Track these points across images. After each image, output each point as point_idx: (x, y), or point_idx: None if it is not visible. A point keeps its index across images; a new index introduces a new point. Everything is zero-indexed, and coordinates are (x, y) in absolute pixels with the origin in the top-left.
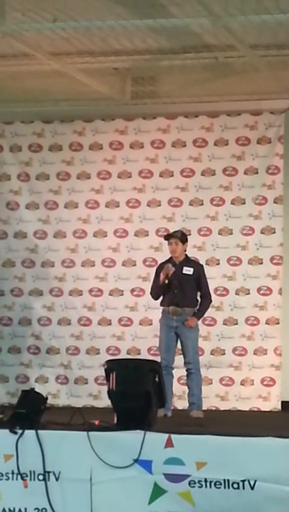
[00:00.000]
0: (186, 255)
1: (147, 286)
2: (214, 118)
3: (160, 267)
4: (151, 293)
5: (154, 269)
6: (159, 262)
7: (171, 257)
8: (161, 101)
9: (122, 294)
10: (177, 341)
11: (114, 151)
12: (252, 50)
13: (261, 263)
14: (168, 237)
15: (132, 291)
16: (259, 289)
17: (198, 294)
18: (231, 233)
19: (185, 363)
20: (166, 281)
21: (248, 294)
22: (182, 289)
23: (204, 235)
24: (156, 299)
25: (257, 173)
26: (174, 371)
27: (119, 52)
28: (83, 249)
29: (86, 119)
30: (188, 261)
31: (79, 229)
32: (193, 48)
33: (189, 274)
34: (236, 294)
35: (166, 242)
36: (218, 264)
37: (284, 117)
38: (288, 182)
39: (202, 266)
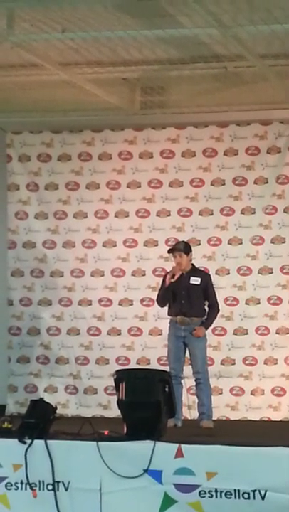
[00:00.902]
0: (192, 265)
1: None
2: (224, 128)
3: (167, 275)
4: (157, 299)
5: None
6: (167, 271)
7: None
8: (170, 111)
9: (131, 304)
10: (185, 351)
11: (123, 161)
12: (261, 60)
13: (271, 273)
14: (171, 250)
15: (142, 301)
16: (269, 299)
17: (206, 303)
18: (241, 243)
19: (194, 372)
20: (172, 281)
21: (258, 303)
22: (190, 299)
23: (214, 244)
24: (162, 305)
25: (267, 182)
26: (183, 381)
27: (129, 63)
28: (92, 259)
29: (95, 129)
30: (195, 271)
31: (88, 239)
32: (202, 58)
33: (197, 284)
34: (246, 303)
35: (171, 255)
36: (228, 273)
37: None
38: None
39: (209, 275)
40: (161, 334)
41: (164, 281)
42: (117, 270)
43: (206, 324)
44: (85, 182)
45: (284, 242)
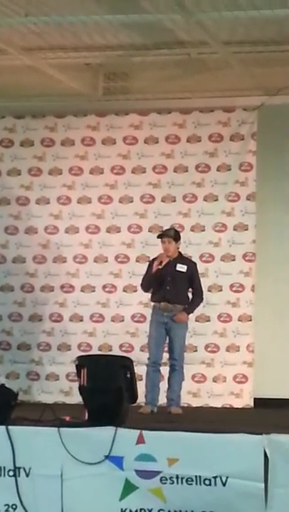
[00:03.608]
0: (179, 252)
1: (119, 283)
2: (187, 114)
3: (153, 262)
4: (141, 284)
5: (126, 265)
6: (152, 257)
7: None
8: (133, 97)
9: (93, 291)
10: (166, 338)
11: (86, 147)
12: (225, 47)
13: (234, 260)
14: (161, 236)
15: (104, 287)
16: (231, 286)
17: (190, 291)
18: (204, 230)
19: (170, 358)
20: (160, 267)
21: (221, 290)
22: (175, 286)
23: None
24: (146, 290)
25: (230, 169)
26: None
27: (92, 48)
28: (55, 245)
29: (58, 114)
30: (182, 258)
31: (50, 225)
32: (165, 44)
33: (183, 272)
34: (209, 290)
35: (160, 240)
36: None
37: (257, 114)
38: (261, 179)
39: (195, 264)
40: (123, 321)
41: (149, 266)
42: (80, 256)
43: (188, 310)
44: (47, 168)
45: (246, 229)
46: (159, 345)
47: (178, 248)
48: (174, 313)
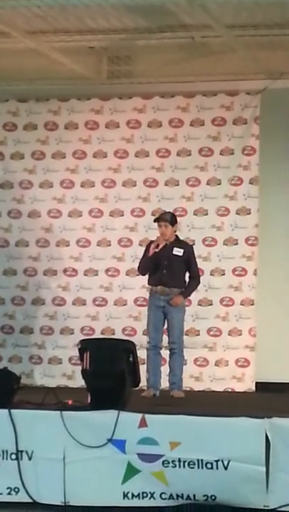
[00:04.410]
0: (176, 236)
1: (122, 267)
2: (190, 98)
3: (151, 244)
4: (138, 267)
5: (129, 249)
6: (151, 240)
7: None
8: (137, 81)
9: (96, 274)
10: (165, 321)
11: (89, 130)
12: (228, 30)
13: (236, 244)
14: (157, 220)
15: (107, 271)
16: (234, 270)
17: (187, 275)
18: (207, 214)
19: (169, 342)
20: (156, 250)
21: (223, 274)
22: (171, 269)
23: (179, 215)
24: (143, 274)
25: (233, 153)
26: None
27: (96, 31)
28: (58, 228)
29: (61, 98)
30: (179, 242)
31: (54, 209)
32: (169, 28)
33: (179, 255)
34: (211, 274)
35: (156, 224)
36: (194, 244)
37: (260, 98)
38: (264, 163)
39: (192, 247)
40: (126, 304)
41: (147, 249)
42: (83, 240)
43: (185, 293)
44: (51, 151)
45: (249, 213)
46: (157, 328)
47: (175, 232)
48: (170, 297)
